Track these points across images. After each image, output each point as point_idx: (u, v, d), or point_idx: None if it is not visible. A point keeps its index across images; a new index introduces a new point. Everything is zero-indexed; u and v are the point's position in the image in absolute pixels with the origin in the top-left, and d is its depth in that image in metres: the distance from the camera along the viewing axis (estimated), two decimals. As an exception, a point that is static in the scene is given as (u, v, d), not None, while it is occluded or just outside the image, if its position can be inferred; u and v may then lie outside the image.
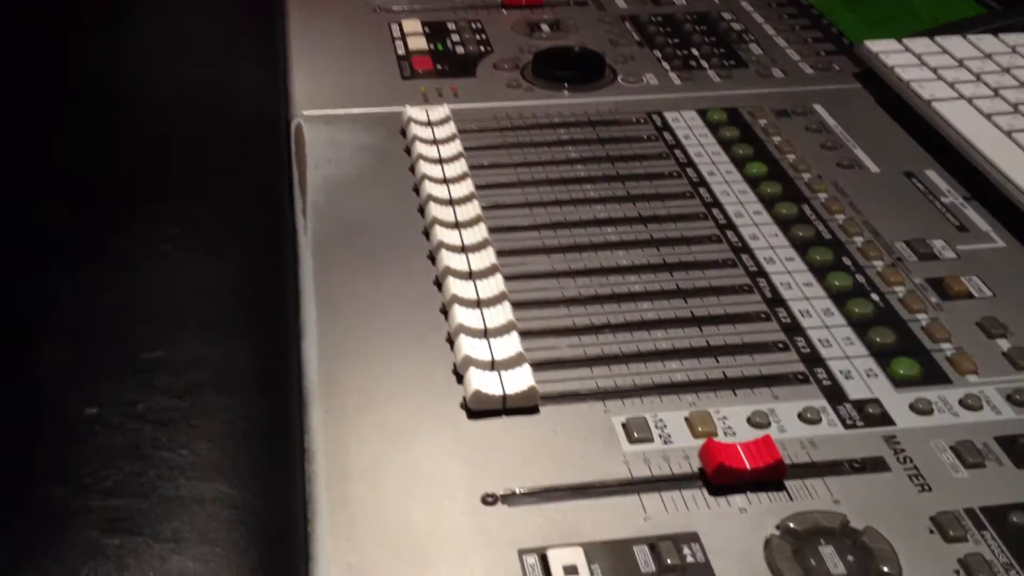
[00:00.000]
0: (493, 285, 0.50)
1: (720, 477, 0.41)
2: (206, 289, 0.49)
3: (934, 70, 0.68)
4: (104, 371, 0.43)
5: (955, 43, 0.72)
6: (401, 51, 0.75)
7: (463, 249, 0.53)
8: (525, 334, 0.49)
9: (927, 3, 0.82)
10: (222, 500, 0.38)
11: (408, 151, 0.63)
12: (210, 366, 0.44)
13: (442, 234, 0.54)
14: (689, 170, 0.62)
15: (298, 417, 0.44)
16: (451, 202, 0.57)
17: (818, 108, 0.69)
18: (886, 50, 0.71)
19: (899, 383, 0.47)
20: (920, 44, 0.72)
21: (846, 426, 0.45)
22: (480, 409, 0.45)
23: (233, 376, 0.44)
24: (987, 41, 0.72)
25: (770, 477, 0.41)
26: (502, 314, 0.48)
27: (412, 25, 0.78)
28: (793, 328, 0.50)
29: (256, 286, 0.51)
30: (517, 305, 0.50)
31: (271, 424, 0.43)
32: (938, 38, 0.72)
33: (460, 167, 0.60)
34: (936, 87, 0.67)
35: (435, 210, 0.56)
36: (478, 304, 0.50)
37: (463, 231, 0.54)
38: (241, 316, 0.48)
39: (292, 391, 0.45)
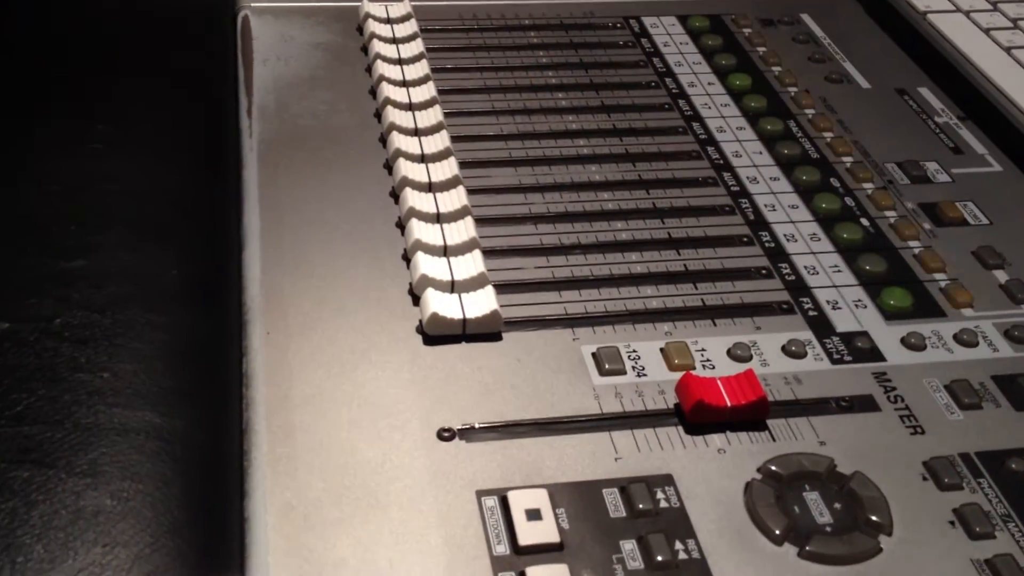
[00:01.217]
0: (455, 198, 0.46)
1: (698, 415, 0.37)
2: (137, 191, 0.44)
3: (930, -20, 0.64)
4: (17, 281, 0.38)
5: (952, -47, 0.67)
6: (360, -58, 0.69)
7: (423, 159, 0.49)
8: (488, 253, 0.45)
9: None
10: (147, 430, 0.34)
11: (365, 50, 0.58)
12: (137, 278, 0.39)
13: (400, 142, 0.49)
14: (668, 80, 0.58)
15: (236, 337, 0.40)
16: (411, 107, 0.52)
17: (805, 18, 0.65)
18: (880, -42, 0.67)
19: (890, 315, 0.43)
20: (915, -47, 0.67)
21: (833, 361, 0.41)
22: (438, 334, 0.41)
23: (163, 289, 0.39)
24: (986, -48, 0.68)
25: (752, 415, 0.38)
26: (464, 231, 0.44)
27: (373, -85, 0.72)
28: (777, 253, 0.46)
29: (193, 191, 0.46)
30: (480, 221, 0.46)
31: (205, 344, 0.39)
32: (935, -53, 0.68)
33: (421, 69, 0.55)
34: (932, -1, 0.62)
35: (393, 115, 0.51)
36: (438, 219, 0.45)
37: (423, 139, 0.50)
38: (175, 222, 0.43)
39: (230, 307, 0.41)
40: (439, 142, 0.50)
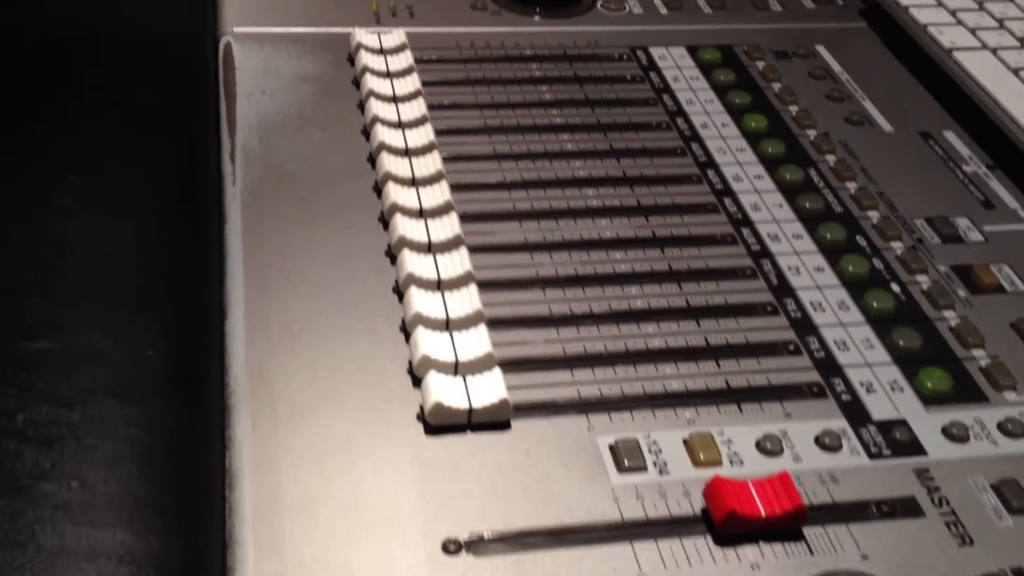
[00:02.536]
0: (457, 262, 0.42)
1: (730, 526, 0.34)
2: (108, 254, 0.40)
3: (952, 12, 0.61)
4: (-25, 367, 0.34)
5: (974, -18, 0.64)
6: (350, -41, 0.65)
7: (421, 214, 0.45)
8: (493, 323, 0.41)
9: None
10: (119, 552, 0.30)
11: (357, 84, 0.54)
12: (109, 362, 0.35)
13: (396, 194, 0.45)
14: (680, 120, 0.54)
15: (219, 426, 0.36)
16: (407, 152, 0.48)
17: (821, 50, 0.61)
18: (899, -14, 0.63)
19: (929, 400, 0.40)
20: (936, -19, 0.64)
21: (871, 455, 0.38)
22: (441, 424, 0.37)
23: (138, 375, 0.35)
24: (1009, -19, 0.64)
25: (789, 525, 0.35)
26: (468, 301, 0.41)
27: (363, -72, 0.68)
28: (804, 325, 0.43)
29: (170, 250, 0.42)
30: (484, 286, 0.43)
31: (185, 438, 0.35)
32: (955, -25, 0.65)
33: (418, 108, 0.51)
34: (956, 33, 0.59)
35: (388, 163, 0.47)
36: (439, 285, 0.42)
37: (421, 191, 0.46)
38: (151, 291, 0.40)
39: (212, 391, 0.37)
40: (438, 195, 0.46)
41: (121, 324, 0.37)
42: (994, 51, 0.58)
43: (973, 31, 0.59)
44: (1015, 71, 0.56)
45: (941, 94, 0.58)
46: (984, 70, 0.56)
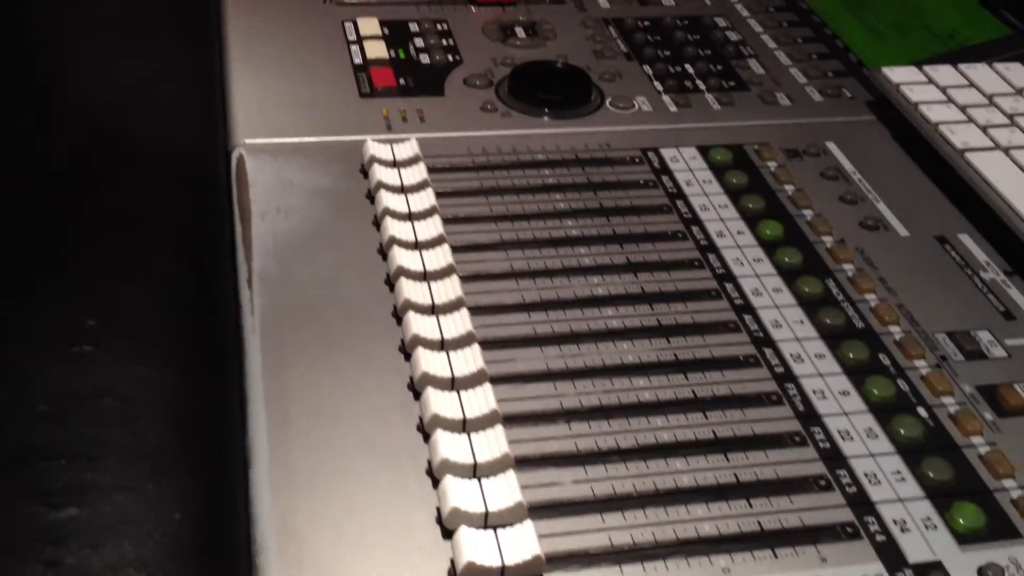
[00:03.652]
0: (482, 400, 0.42)
1: None
2: (129, 404, 0.40)
3: (963, 109, 0.61)
4: (2, 539, 0.34)
5: (982, 74, 0.64)
6: (358, 59, 0.65)
7: (442, 345, 0.45)
8: (519, 463, 0.41)
9: (938, 10, 0.75)
10: None
11: (371, 198, 0.54)
12: (137, 531, 0.35)
13: (417, 325, 0.45)
14: (695, 228, 0.54)
15: (248, 587, 0.36)
16: (425, 276, 0.48)
17: (831, 147, 0.61)
18: (907, 81, 0.63)
19: (963, 538, 0.40)
20: (944, 74, 0.64)
21: (908, 602, 0.38)
22: (473, 581, 0.37)
23: (166, 544, 0.35)
24: (1016, 71, 0.64)
25: None
26: (495, 444, 0.40)
27: (369, 26, 0.68)
28: (834, 457, 0.43)
29: (193, 393, 0.42)
30: (508, 421, 0.42)
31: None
32: (962, 66, 0.65)
33: (434, 227, 0.51)
34: (968, 132, 0.59)
35: (407, 289, 0.47)
36: (464, 427, 0.41)
37: (441, 319, 0.46)
38: (173, 445, 0.39)
39: (239, 549, 0.37)
40: (459, 324, 0.45)
41: (146, 485, 0.36)
42: (1006, 151, 0.58)
43: (984, 129, 0.59)
44: (1029, 173, 0.56)
45: (955, 195, 0.58)
46: (998, 172, 0.56)
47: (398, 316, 0.47)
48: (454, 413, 0.41)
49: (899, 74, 0.64)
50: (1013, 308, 0.51)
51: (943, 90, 0.63)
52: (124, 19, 0.57)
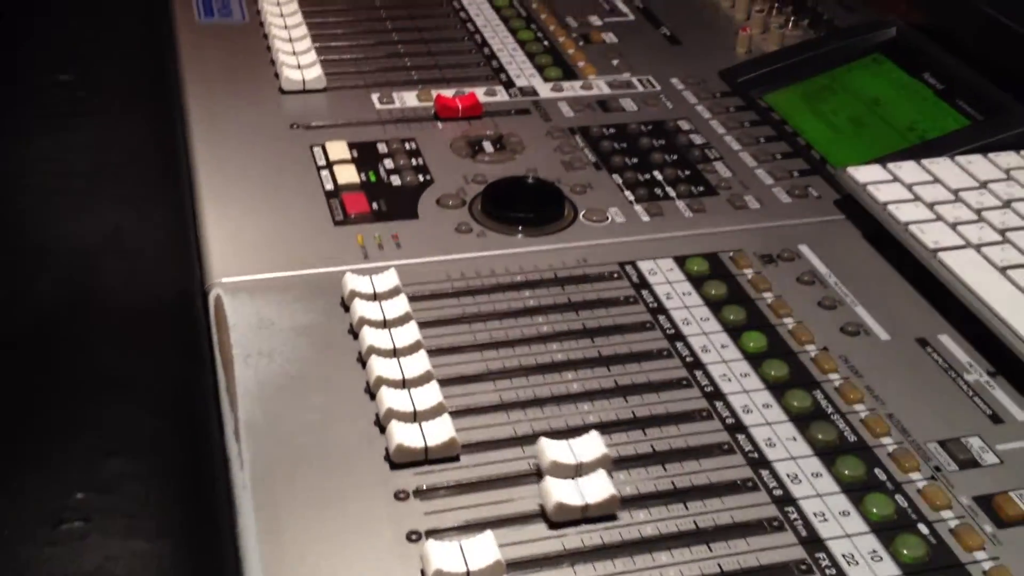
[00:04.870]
0: (485, 551, 0.41)
1: None
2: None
3: (930, 206, 0.62)
4: None
5: (945, 168, 0.65)
6: (329, 185, 0.65)
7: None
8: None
9: (895, 104, 0.76)
10: None
11: (354, 333, 0.53)
12: None
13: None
14: (679, 344, 0.54)
15: None
16: (415, 416, 0.48)
17: (805, 250, 0.62)
18: (874, 180, 0.64)
19: (978, 664, 0.40)
20: (908, 170, 0.65)
21: None
22: None
23: None
24: (978, 164, 0.66)
25: None
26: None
27: (338, 149, 0.68)
28: (841, 584, 0.42)
29: (188, 557, 0.41)
30: (512, 567, 0.42)
31: None
32: (925, 162, 0.66)
33: (420, 363, 0.50)
34: (938, 231, 0.60)
35: (398, 432, 0.46)
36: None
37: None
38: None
39: None
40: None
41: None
42: (978, 248, 0.59)
43: (954, 226, 0.60)
44: (1002, 270, 0.57)
45: (931, 294, 0.58)
46: (971, 271, 0.57)
47: (391, 461, 0.46)
48: (457, 568, 0.41)
49: (864, 173, 0.65)
50: (1000, 411, 0.51)
51: (909, 187, 0.64)
52: (93, 169, 0.57)
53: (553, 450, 0.46)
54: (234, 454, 0.46)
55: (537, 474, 0.46)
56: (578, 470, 0.45)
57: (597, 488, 0.44)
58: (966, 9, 0.76)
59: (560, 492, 0.44)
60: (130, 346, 0.50)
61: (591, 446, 0.46)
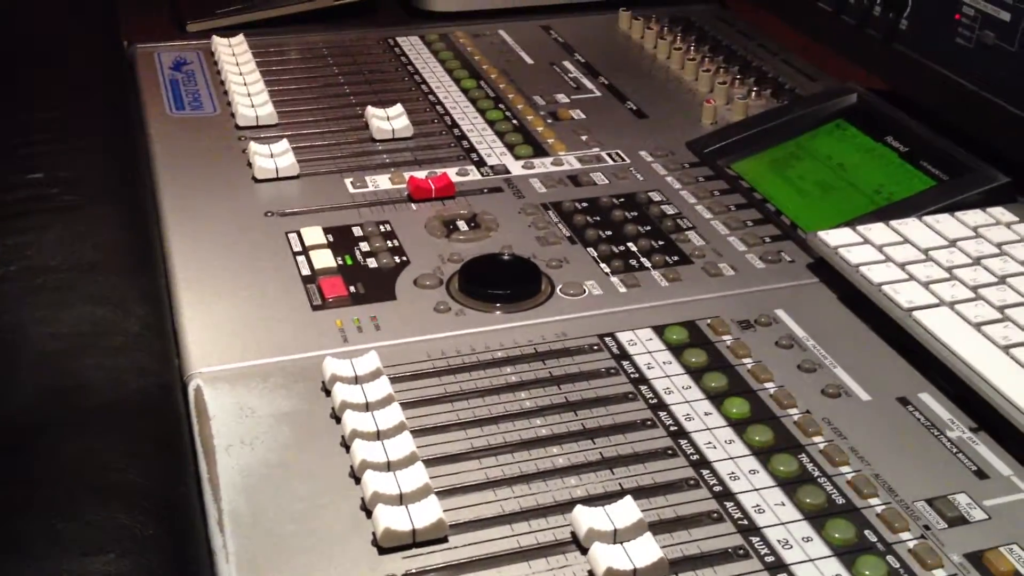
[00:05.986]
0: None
1: None
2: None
3: (902, 266, 0.63)
4: None
5: (913, 228, 0.66)
6: (306, 270, 0.65)
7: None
8: None
9: (861, 167, 0.77)
10: None
11: (336, 418, 0.53)
12: None
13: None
14: (663, 414, 0.54)
15: None
16: (401, 499, 0.47)
17: (781, 314, 0.62)
18: (844, 243, 0.65)
19: None
20: (877, 232, 0.66)
21: None
22: None
23: None
24: (946, 223, 0.67)
25: None
26: None
27: (313, 235, 0.68)
28: (838, 649, 0.42)
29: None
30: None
31: None
32: (894, 223, 0.67)
33: (405, 444, 0.50)
34: (911, 291, 0.60)
35: (384, 516, 0.46)
36: (463, 663, 0.40)
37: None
38: None
39: None
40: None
41: None
42: (951, 306, 0.59)
43: (926, 285, 0.61)
44: (976, 326, 0.57)
45: (908, 352, 0.59)
46: (946, 329, 0.57)
47: (379, 545, 0.46)
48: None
49: (835, 237, 0.66)
50: (984, 466, 0.52)
51: (880, 248, 0.64)
52: (67, 265, 0.57)
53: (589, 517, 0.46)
54: (219, 546, 0.46)
55: (528, 551, 0.46)
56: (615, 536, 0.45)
57: (642, 552, 0.45)
58: (924, 73, 0.77)
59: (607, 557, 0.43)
60: (110, 443, 0.49)
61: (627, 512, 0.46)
